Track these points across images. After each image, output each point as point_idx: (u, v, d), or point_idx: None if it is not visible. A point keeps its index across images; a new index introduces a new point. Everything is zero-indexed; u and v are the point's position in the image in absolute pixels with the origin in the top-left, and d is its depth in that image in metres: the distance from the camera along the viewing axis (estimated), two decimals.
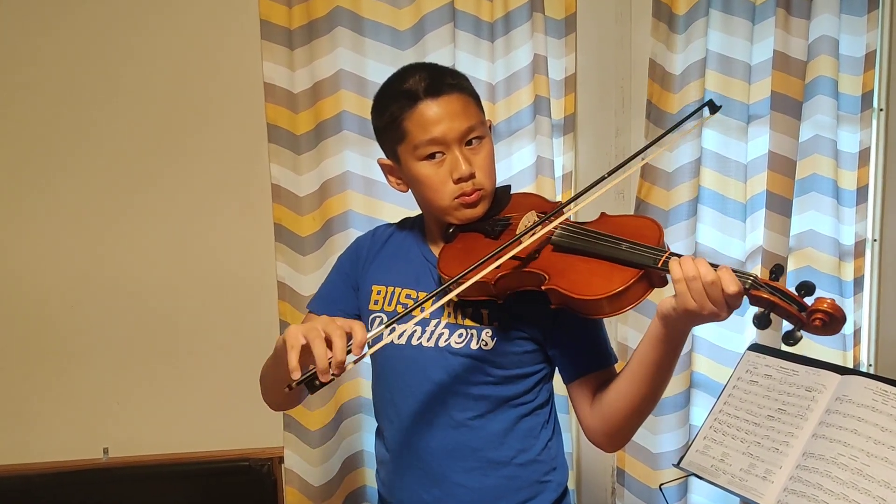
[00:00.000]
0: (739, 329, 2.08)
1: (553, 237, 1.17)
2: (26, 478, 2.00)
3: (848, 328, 2.10)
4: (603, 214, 1.22)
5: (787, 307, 1.00)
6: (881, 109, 2.12)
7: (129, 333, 2.02)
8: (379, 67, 1.91)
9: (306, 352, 1.02)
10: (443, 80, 1.21)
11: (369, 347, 1.06)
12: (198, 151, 1.99)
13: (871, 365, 2.21)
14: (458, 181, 1.21)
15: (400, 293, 1.30)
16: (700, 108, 1.36)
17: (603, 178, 1.23)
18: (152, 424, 2.06)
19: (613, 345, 1.31)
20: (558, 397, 1.38)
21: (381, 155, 1.30)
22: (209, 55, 1.96)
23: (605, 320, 1.26)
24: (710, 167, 2.04)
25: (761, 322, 1.02)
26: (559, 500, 1.32)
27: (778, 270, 1.04)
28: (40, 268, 1.99)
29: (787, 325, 1.02)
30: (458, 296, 1.20)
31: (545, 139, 1.95)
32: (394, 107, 1.21)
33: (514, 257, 1.15)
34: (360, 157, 1.96)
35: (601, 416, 1.21)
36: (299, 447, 2.02)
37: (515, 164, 2.00)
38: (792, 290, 1.01)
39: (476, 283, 1.14)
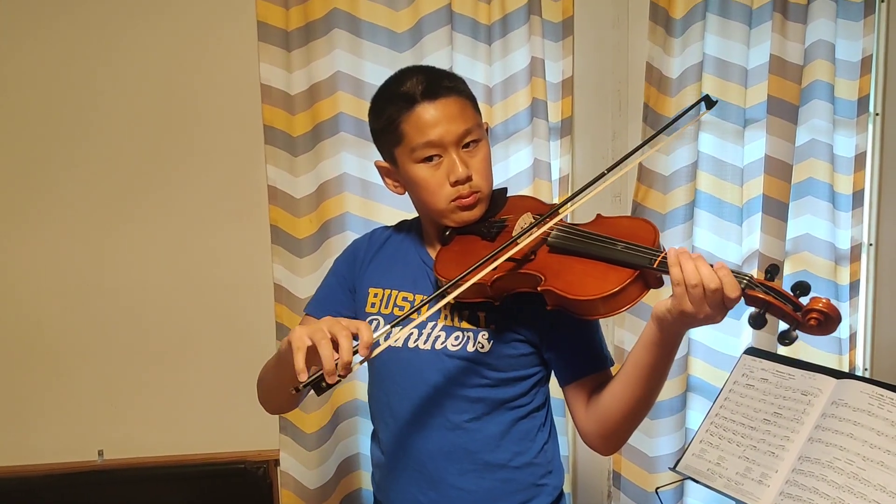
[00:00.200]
0: (736, 333, 2.08)
1: (549, 239, 1.17)
2: (22, 479, 1.99)
3: (844, 332, 2.10)
4: (598, 216, 1.22)
5: (783, 307, 1.00)
6: (877, 114, 2.12)
7: (125, 335, 2.02)
8: (376, 69, 1.91)
9: (312, 353, 1.01)
10: (440, 83, 1.21)
11: (375, 348, 1.05)
12: (194, 153, 1.99)
13: (866, 369, 2.22)
14: (454, 184, 1.21)
15: (397, 296, 1.29)
16: (696, 104, 1.36)
17: (598, 178, 1.23)
18: (148, 426, 2.05)
19: (610, 348, 1.31)
20: (554, 401, 1.38)
21: (379, 157, 1.30)
22: (206, 57, 1.96)
23: (602, 323, 1.26)
24: (706, 171, 2.04)
25: (757, 322, 1.02)
26: (555, 503, 1.32)
27: (773, 270, 1.04)
28: (36, 270, 1.99)
29: (782, 325, 1.02)
30: (455, 298, 1.20)
31: (542, 142, 1.95)
32: (391, 109, 1.21)
33: (510, 259, 1.15)
34: (357, 159, 1.95)
35: (596, 419, 1.21)
36: (295, 450, 2.02)
37: (512, 167, 2.00)
38: (787, 290, 1.01)
39: (473, 285, 1.14)
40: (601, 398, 1.20)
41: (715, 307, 1.02)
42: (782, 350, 2.03)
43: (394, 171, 1.28)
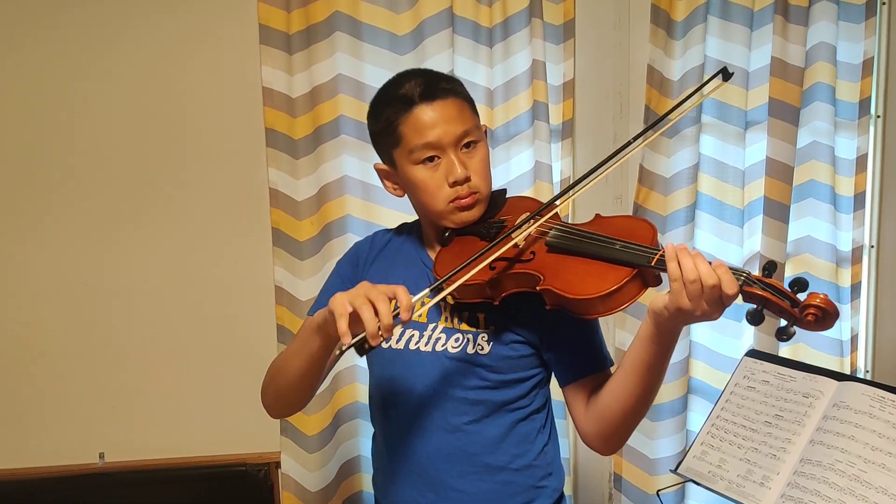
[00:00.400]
0: (737, 335, 2.08)
1: (548, 238, 1.18)
2: (22, 482, 1.99)
3: (845, 334, 2.10)
4: (597, 215, 1.23)
5: (780, 303, 1.00)
6: (878, 116, 2.12)
7: (126, 338, 2.02)
8: (377, 72, 1.91)
9: (353, 319, 1.04)
10: (438, 85, 1.21)
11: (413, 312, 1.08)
12: (196, 156, 1.99)
13: (868, 371, 2.21)
14: (453, 184, 1.21)
15: None
16: (715, 76, 1.35)
17: (597, 168, 1.23)
18: (149, 429, 2.05)
19: (611, 350, 1.31)
20: (555, 403, 1.38)
21: (378, 160, 1.31)
22: (208, 60, 1.96)
23: (603, 325, 1.27)
24: (707, 173, 2.04)
25: (754, 318, 1.02)
26: None
27: (771, 267, 1.04)
28: (37, 272, 1.99)
29: (780, 322, 1.02)
30: (455, 299, 1.20)
31: (543, 144, 1.95)
32: (389, 112, 1.22)
33: (509, 258, 1.15)
34: (358, 161, 1.96)
35: (596, 419, 1.21)
36: (296, 452, 2.02)
37: (514, 169, 2.00)
38: (785, 286, 1.01)
39: (472, 285, 1.14)
40: (600, 397, 1.20)
41: (712, 304, 1.02)
42: (782, 348, 2.04)
43: (393, 174, 1.28)
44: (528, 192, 1.96)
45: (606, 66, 2.05)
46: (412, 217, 1.39)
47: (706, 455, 1.19)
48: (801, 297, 1.00)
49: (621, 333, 2.06)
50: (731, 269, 1.02)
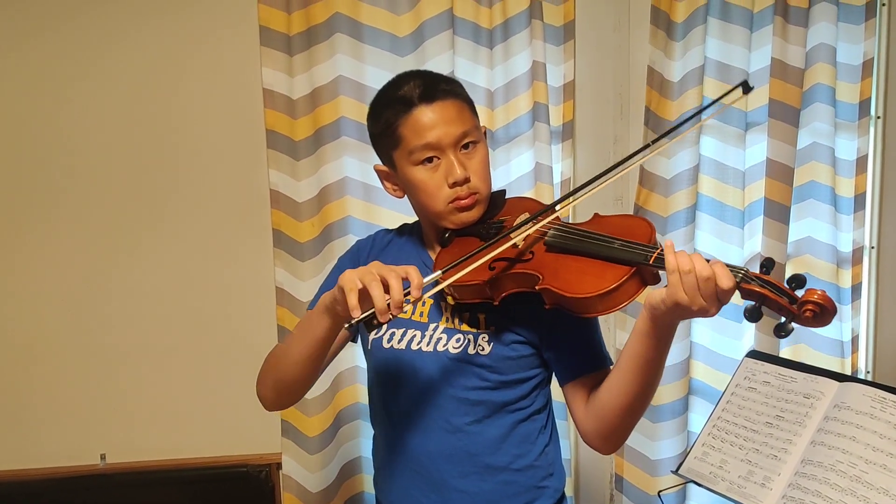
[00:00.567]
0: (737, 335, 2.08)
1: (546, 238, 1.18)
2: (24, 483, 1.99)
3: (846, 335, 2.10)
4: (596, 215, 1.23)
5: (778, 299, 1.00)
6: (878, 117, 2.13)
7: (127, 339, 2.02)
8: (378, 73, 1.92)
9: (363, 296, 1.04)
10: (437, 87, 1.21)
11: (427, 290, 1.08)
12: (196, 157, 1.99)
13: (868, 372, 2.21)
14: (453, 185, 1.21)
15: None
16: (735, 88, 1.35)
17: (599, 176, 1.23)
18: (150, 430, 2.05)
19: (611, 351, 1.31)
20: (556, 404, 1.38)
21: (378, 161, 1.31)
22: (208, 61, 1.96)
23: (603, 326, 1.27)
24: (708, 174, 2.04)
25: (753, 315, 1.02)
26: None
27: (769, 264, 1.04)
28: (39, 275, 1.99)
29: (779, 319, 1.02)
30: (455, 300, 1.20)
31: (544, 145, 1.95)
32: (389, 113, 1.22)
33: (508, 258, 1.15)
34: (358, 162, 1.96)
35: (595, 417, 1.21)
36: (297, 453, 2.02)
37: (514, 171, 2.00)
38: (783, 282, 1.02)
39: (472, 285, 1.14)
40: (599, 395, 1.21)
41: (709, 298, 1.02)
42: (783, 349, 2.04)
43: (393, 175, 1.28)
44: (528, 194, 1.96)
45: (607, 68, 2.05)
46: (412, 218, 1.39)
47: (707, 456, 1.19)
48: (799, 293, 1.01)
49: (621, 334, 2.06)
50: (729, 266, 1.02)
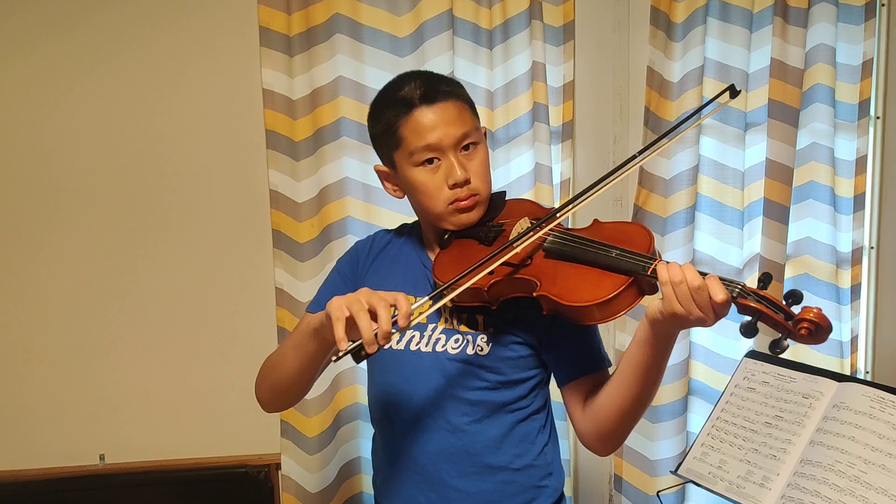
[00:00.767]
0: (737, 336, 2.06)
1: (545, 244, 1.18)
2: (23, 484, 1.99)
3: (845, 335, 2.10)
4: (595, 221, 1.23)
5: (774, 316, 1.01)
6: (878, 117, 2.13)
7: (127, 339, 2.02)
8: (378, 74, 1.92)
9: (351, 324, 1.02)
10: (438, 88, 1.21)
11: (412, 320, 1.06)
12: (196, 157, 1.99)
13: (868, 372, 2.21)
14: (453, 187, 1.21)
15: None
16: (722, 93, 1.35)
17: (598, 182, 1.23)
18: (149, 431, 2.05)
19: (611, 352, 1.31)
20: (556, 404, 1.38)
21: (380, 162, 1.31)
22: (208, 62, 1.96)
23: (602, 327, 1.27)
24: (707, 174, 2.04)
25: (748, 331, 1.02)
26: None
27: (766, 279, 1.04)
28: (39, 274, 1.99)
29: (774, 334, 1.02)
30: (453, 301, 1.20)
31: (543, 146, 1.95)
32: (389, 114, 1.22)
33: (506, 264, 1.15)
34: (358, 163, 1.96)
35: (593, 419, 1.22)
36: (296, 453, 2.02)
37: (514, 171, 2.00)
38: (779, 298, 1.02)
39: (470, 289, 1.14)
40: (597, 398, 1.21)
41: (704, 308, 1.02)
42: (783, 354, 2.04)
43: (393, 175, 1.28)
44: (528, 194, 1.97)
45: (606, 68, 2.06)
46: (412, 218, 1.39)
47: (706, 456, 1.19)
48: (796, 309, 1.01)
49: (621, 336, 2.06)
50: (725, 280, 1.02)
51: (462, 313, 1.25)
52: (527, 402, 1.28)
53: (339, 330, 1.02)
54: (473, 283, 1.14)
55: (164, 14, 1.94)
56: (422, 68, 1.82)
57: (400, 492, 1.31)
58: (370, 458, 1.42)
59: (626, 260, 1.09)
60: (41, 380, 2.02)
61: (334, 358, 1.04)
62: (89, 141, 1.96)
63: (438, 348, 1.25)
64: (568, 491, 2.12)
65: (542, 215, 1.25)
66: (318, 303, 1.38)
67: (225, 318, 2.04)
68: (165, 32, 1.94)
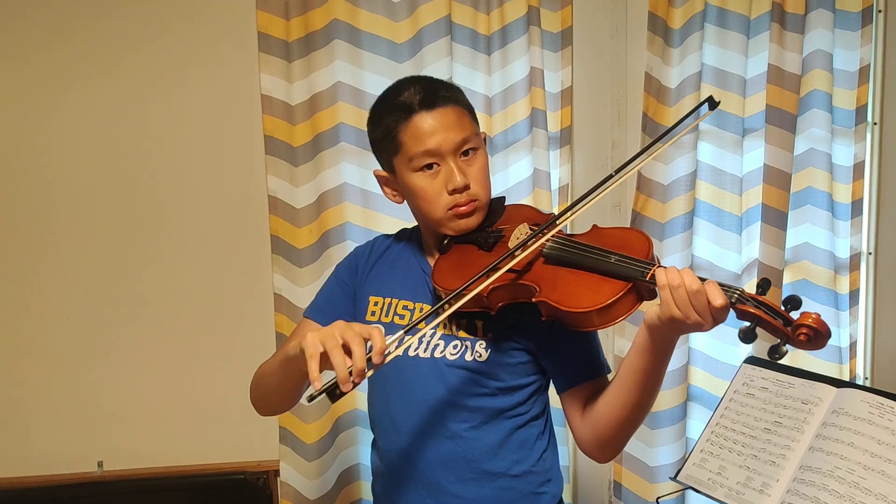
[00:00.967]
0: (736, 342, 2.06)
1: (544, 249, 1.18)
2: (21, 491, 1.98)
3: (844, 341, 2.10)
4: (594, 227, 1.23)
5: (773, 321, 1.01)
6: (875, 123, 2.13)
7: (125, 345, 2.02)
8: (376, 80, 1.92)
9: (325, 359, 1.01)
10: (437, 93, 1.21)
11: (388, 355, 1.04)
12: (195, 163, 1.99)
13: (867, 378, 2.21)
14: (452, 192, 1.21)
15: (397, 304, 1.30)
16: (701, 105, 1.36)
17: (596, 188, 1.23)
18: (147, 437, 2.05)
19: (610, 358, 1.31)
20: (555, 410, 1.38)
21: (378, 167, 1.31)
22: (207, 67, 1.97)
23: (602, 333, 1.27)
24: (705, 180, 2.05)
25: (747, 336, 1.02)
26: None
27: (765, 284, 1.04)
28: (38, 279, 1.99)
29: (773, 339, 1.02)
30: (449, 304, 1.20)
31: (542, 151, 1.96)
32: (389, 119, 1.22)
33: (507, 270, 1.15)
34: (357, 169, 1.96)
35: (592, 426, 1.22)
36: (295, 460, 2.01)
37: (512, 176, 2.00)
38: (778, 304, 1.02)
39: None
40: (596, 404, 1.21)
41: (702, 313, 1.02)
42: (782, 360, 2.04)
43: (392, 180, 1.28)
44: (526, 200, 1.97)
45: (604, 74, 2.06)
46: (411, 224, 1.39)
47: (706, 462, 1.19)
48: (794, 315, 1.01)
49: (620, 341, 2.06)
50: (724, 285, 1.03)
51: (461, 319, 1.25)
52: (525, 408, 1.28)
53: (314, 368, 1.00)
54: (472, 287, 1.14)
55: (162, 20, 1.94)
56: (420, 74, 1.82)
57: (398, 498, 1.31)
58: (369, 464, 1.42)
59: (625, 265, 1.09)
60: (39, 386, 2.01)
61: (307, 401, 1.01)
62: (88, 146, 1.96)
63: (437, 354, 1.25)
64: (567, 497, 2.11)
65: (541, 221, 1.25)
66: (316, 307, 1.38)
67: (223, 323, 2.03)
68: (164, 38, 1.95)
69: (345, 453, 2.07)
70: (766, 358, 1.03)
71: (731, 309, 1.03)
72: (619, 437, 1.21)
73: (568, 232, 1.25)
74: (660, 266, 1.07)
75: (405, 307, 1.29)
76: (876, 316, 2.19)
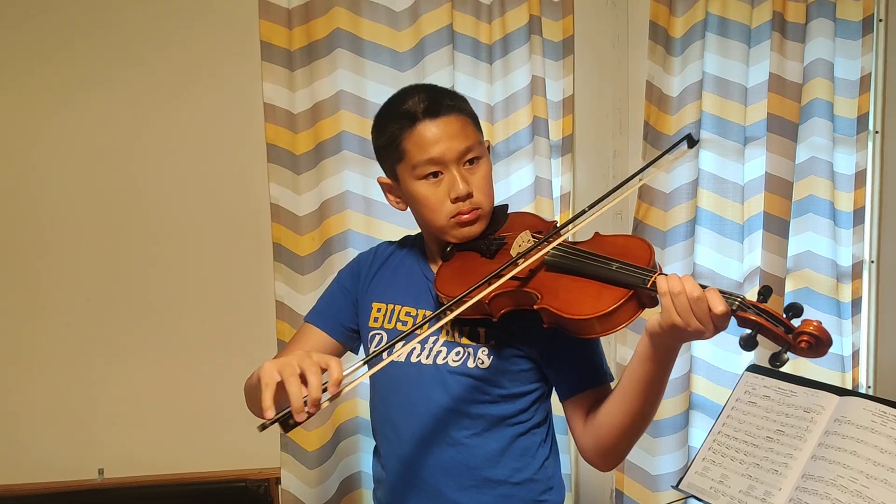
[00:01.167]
0: (737, 350, 2.06)
1: (546, 257, 1.18)
2: (22, 498, 1.98)
3: (846, 350, 2.10)
4: (596, 234, 1.23)
5: (774, 329, 1.00)
6: (877, 131, 2.14)
7: (126, 353, 2.02)
8: (379, 88, 1.93)
9: (282, 389, 0.99)
10: (441, 101, 1.22)
11: (349, 382, 1.03)
12: (197, 170, 2.00)
13: (869, 386, 2.21)
14: (455, 200, 1.22)
15: (399, 311, 1.30)
16: (679, 142, 1.37)
17: (593, 206, 1.23)
18: (148, 444, 2.04)
19: (612, 365, 1.31)
20: (557, 418, 1.37)
21: (381, 174, 1.31)
22: (210, 76, 1.97)
23: (604, 340, 1.27)
24: (707, 188, 2.05)
25: (748, 344, 1.02)
26: None
27: (766, 292, 1.04)
28: (38, 285, 1.99)
29: (774, 347, 1.02)
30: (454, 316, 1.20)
31: (543, 160, 1.96)
32: (393, 127, 1.22)
33: (508, 277, 1.15)
34: (359, 177, 1.96)
35: (594, 434, 1.21)
36: (296, 468, 2.01)
37: (514, 185, 2.01)
38: (779, 311, 1.02)
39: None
40: (599, 413, 1.20)
41: (703, 320, 1.02)
42: (783, 368, 2.04)
43: (396, 188, 1.29)
44: (528, 208, 1.97)
45: (605, 83, 2.07)
46: (415, 231, 1.39)
47: (708, 471, 1.19)
48: (796, 322, 1.01)
49: (622, 349, 2.06)
50: (725, 293, 1.03)
51: (464, 326, 1.25)
52: (527, 415, 1.28)
53: (267, 398, 0.98)
54: (474, 294, 1.14)
55: (166, 29, 1.95)
56: (423, 82, 1.83)
57: None
58: (370, 472, 1.42)
59: (627, 273, 1.09)
60: (40, 393, 2.01)
61: (259, 429, 0.99)
62: (92, 153, 1.97)
63: (439, 361, 1.25)
64: None
65: (544, 228, 1.25)
66: (317, 312, 1.39)
67: (225, 331, 2.04)
68: (167, 47, 1.96)
69: (346, 461, 2.06)
70: (769, 366, 1.03)
71: (732, 316, 1.03)
72: (621, 445, 1.21)
73: (570, 240, 1.25)
74: (661, 273, 1.07)
75: (408, 313, 1.29)
76: (878, 324, 2.19)
